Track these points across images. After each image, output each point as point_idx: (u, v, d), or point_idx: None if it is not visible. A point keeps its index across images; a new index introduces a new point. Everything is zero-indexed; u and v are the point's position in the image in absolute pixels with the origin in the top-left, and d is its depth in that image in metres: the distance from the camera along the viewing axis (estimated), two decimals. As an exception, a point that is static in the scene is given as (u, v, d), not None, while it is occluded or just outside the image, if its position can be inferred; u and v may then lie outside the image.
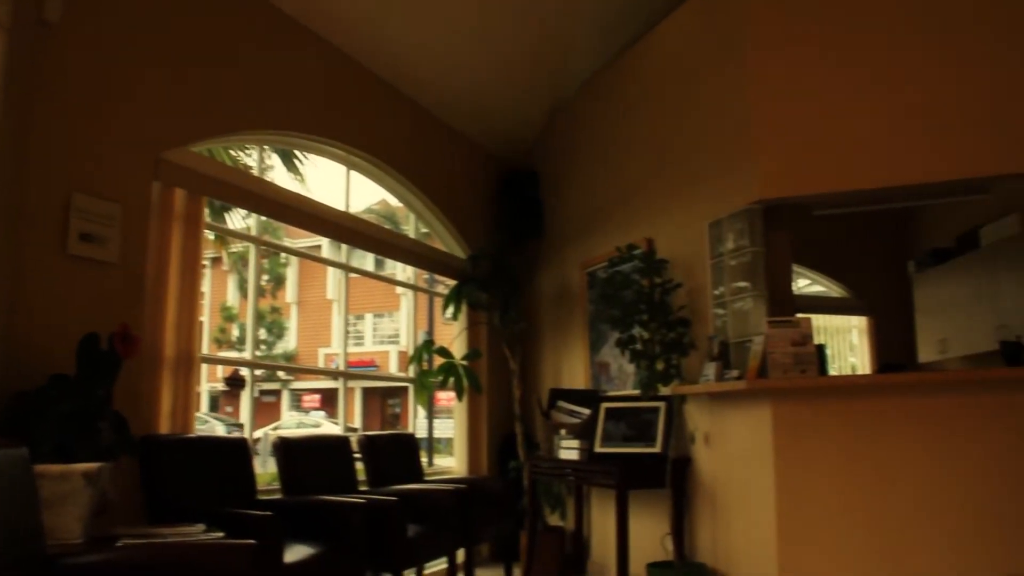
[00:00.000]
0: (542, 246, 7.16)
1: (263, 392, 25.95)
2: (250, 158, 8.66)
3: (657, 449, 5.03)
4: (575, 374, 6.55)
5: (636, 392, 5.36)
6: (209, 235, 5.59)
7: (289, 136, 5.28)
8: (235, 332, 24.78)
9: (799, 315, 4.47)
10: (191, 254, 4.22)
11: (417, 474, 5.76)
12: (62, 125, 3.64)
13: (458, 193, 6.94)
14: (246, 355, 5.25)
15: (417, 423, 6.91)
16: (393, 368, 24.06)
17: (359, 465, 5.27)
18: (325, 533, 3.95)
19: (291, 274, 26.42)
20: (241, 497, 4.06)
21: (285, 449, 4.63)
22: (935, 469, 4.13)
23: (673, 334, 5.15)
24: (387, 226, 8.59)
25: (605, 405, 5.44)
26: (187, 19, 4.37)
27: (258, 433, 17.06)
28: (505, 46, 6.11)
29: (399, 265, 7.10)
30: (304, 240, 19.21)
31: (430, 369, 6.47)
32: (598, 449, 5.29)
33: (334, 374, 23.23)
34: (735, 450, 4.73)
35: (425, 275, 7.36)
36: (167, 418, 4.00)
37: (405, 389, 8.89)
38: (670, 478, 4.94)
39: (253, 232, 5.31)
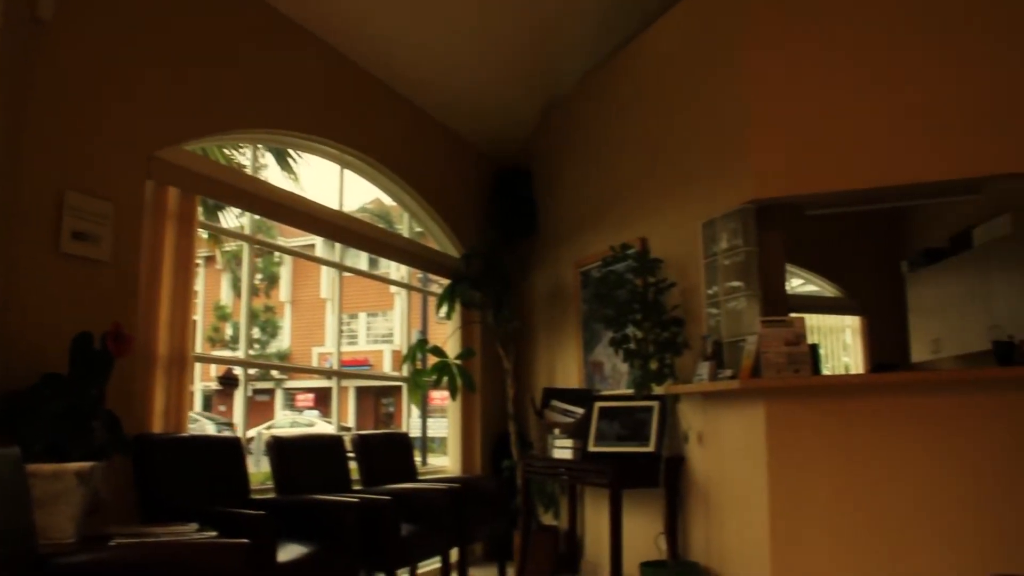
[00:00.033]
0: (536, 245, 7.17)
1: (256, 391, 25.88)
2: (244, 157, 8.65)
3: (651, 448, 5.03)
4: (569, 373, 6.55)
5: (630, 391, 5.36)
6: (203, 234, 5.57)
7: (283, 135, 5.27)
8: (228, 331, 24.71)
9: (792, 315, 4.47)
10: (184, 253, 4.21)
11: (411, 473, 5.76)
12: (55, 123, 3.63)
13: (451, 192, 6.94)
14: (239, 354, 5.25)
15: (411, 422, 6.91)
16: (387, 367, 24.04)
17: (353, 464, 5.27)
18: (318, 532, 3.95)
19: (285, 273, 26.37)
20: (234, 496, 4.06)
21: (278, 448, 4.62)
22: (929, 468, 4.14)
23: (667, 333, 5.16)
24: (381, 225, 8.57)
25: (599, 404, 5.44)
26: (181, 18, 4.36)
27: (251, 432, 17.03)
28: (499, 45, 6.11)
29: (393, 264, 7.08)
30: (298, 239, 19.21)
31: (424, 368, 6.47)
32: (592, 448, 5.30)
33: (328, 373, 23.15)
34: (729, 449, 4.73)
35: (419, 274, 7.36)
36: (160, 417, 3.99)
37: (399, 388, 8.89)
38: (664, 477, 4.95)
39: (247, 231, 5.30)
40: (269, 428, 19.76)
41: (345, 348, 24.30)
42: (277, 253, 24.93)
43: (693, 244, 5.14)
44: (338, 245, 6.02)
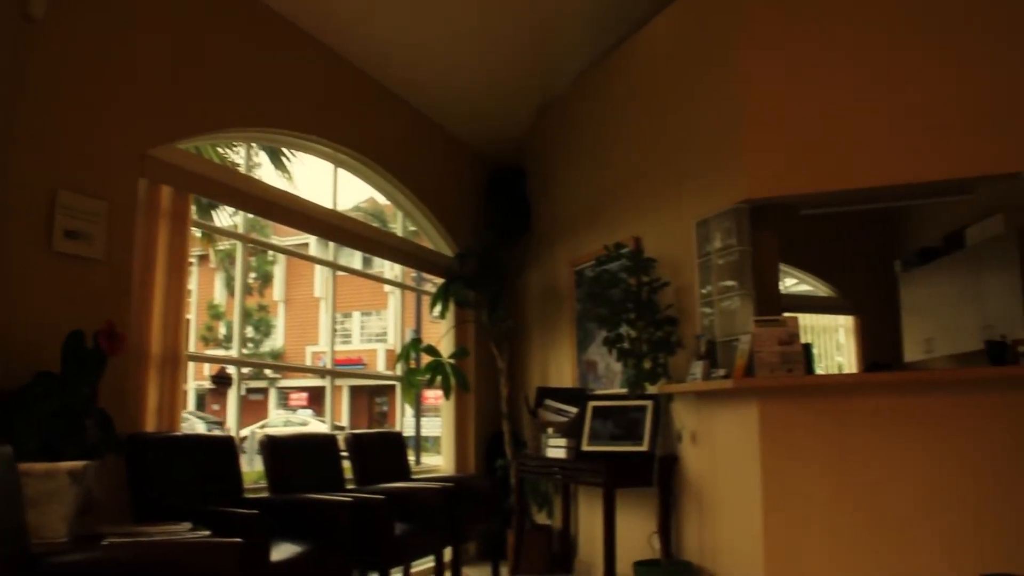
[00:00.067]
0: (530, 244, 7.17)
1: (250, 390, 25.87)
2: (237, 155, 8.63)
3: (644, 448, 5.04)
4: (562, 372, 6.55)
5: (623, 391, 5.37)
6: (196, 232, 5.57)
7: (276, 134, 5.27)
8: (222, 330, 24.68)
9: (786, 314, 4.48)
10: (178, 251, 4.20)
11: (404, 472, 5.75)
12: (47, 121, 3.62)
13: (446, 191, 6.94)
14: (233, 353, 5.24)
15: (404, 421, 6.90)
16: (380, 366, 24.02)
17: (346, 463, 5.26)
18: (312, 531, 3.94)
19: (278, 272, 26.35)
20: (228, 495, 4.04)
21: (272, 447, 4.61)
22: (923, 467, 4.15)
23: (660, 333, 5.16)
24: (375, 224, 8.58)
25: (592, 403, 5.44)
26: (174, 16, 4.35)
27: (245, 431, 17.01)
28: (494, 45, 6.10)
29: (387, 263, 7.09)
30: (292, 238, 19.18)
31: (417, 367, 6.47)
32: (585, 448, 5.30)
33: (321, 372, 23.13)
34: (722, 449, 4.74)
35: (413, 273, 7.36)
36: (153, 416, 3.98)
37: (392, 387, 8.89)
38: (657, 477, 4.95)
39: (240, 230, 5.29)
40: (263, 427, 19.73)
41: (339, 347, 24.29)
42: (271, 252, 24.87)
43: (687, 243, 5.14)
44: (332, 244, 6.01)
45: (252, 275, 24.59)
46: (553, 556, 6.16)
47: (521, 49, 6.20)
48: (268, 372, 25.55)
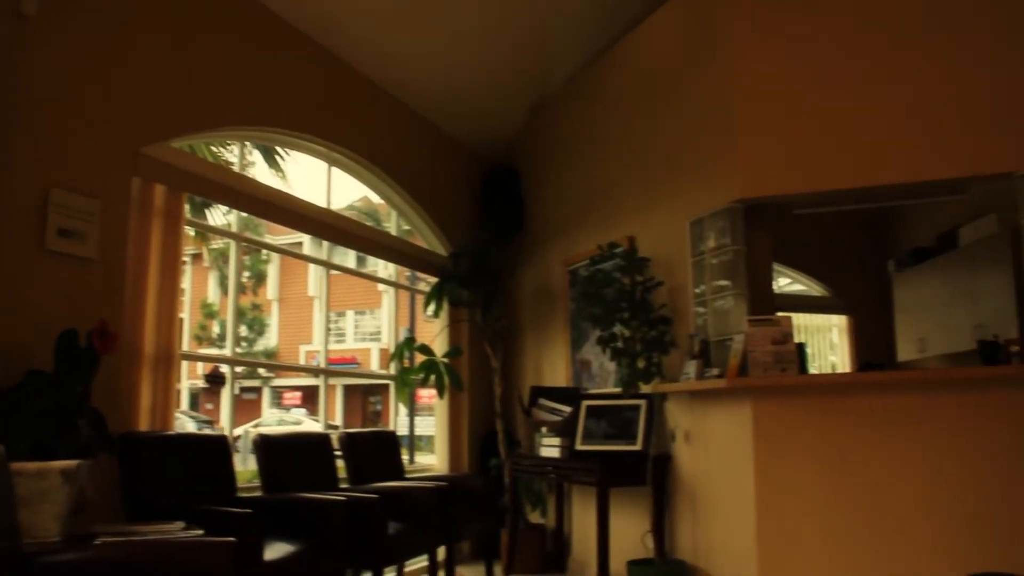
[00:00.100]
0: (524, 244, 7.17)
1: (244, 389, 25.81)
2: (231, 154, 8.61)
3: (638, 447, 5.04)
4: (556, 372, 6.55)
5: (617, 390, 5.37)
6: (189, 231, 5.56)
7: (271, 132, 5.26)
8: (215, 329, 24.64)
9: (779, 314, 4.49)
10: (171, 250, 4.19)
11: (398, 472, 5.75)
12: (39, 119, 3.61)
13: (440, 190, 6.94)
14: (226, 352, 5.23)
15: (398, 420, 6.90)
16: (374, 365, 24.01)
17: (340, 463, 5.25)
18: (306, 531, 3.94)
19: (272, 271, 26.30)
20: (221, 495, 4.04)
21: (265, 447, 4.61)
22: (916, 467, 4.16)
23: (654, 332, 5.16)
24: (369, 223, 8.55)
25: (586, 403, 5.44)
26: (168, 14, 4.34)
27: (238, 430, 16.98)
28: (488, 45, 6.10)
29: (381, 262, 7.07)
30: (285, 237, 19.15)
31: (411, 366, 6.46)
32: (579, 447, 5.30)
33: (315, 371, 23.10)
34: (715, 448, 4.75)
35: (407, 272, 7.35)
36: (146, 415, 3.98)
37: (386, 386, 8.87)
38: (651, 476, 4.95)
39: (234, 228, 5.28)
40: (256, 426, 19.69)
41: (332, 346, 24.25)
42: (265, 251, 24.83)
43: (681, 243, 5.15)
44: (326, 243, 6.00)
45: (246, 274, 24.57)
46: (547, 555, 6.17)
47: (515, 49, 6.20)
48: (262, 371, 25.52)
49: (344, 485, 5.10)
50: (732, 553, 4.54)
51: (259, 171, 10.55)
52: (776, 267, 6.38)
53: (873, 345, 7.39)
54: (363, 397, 25.64)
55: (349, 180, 6.21)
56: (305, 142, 5.55)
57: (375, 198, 7.34)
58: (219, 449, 4.24)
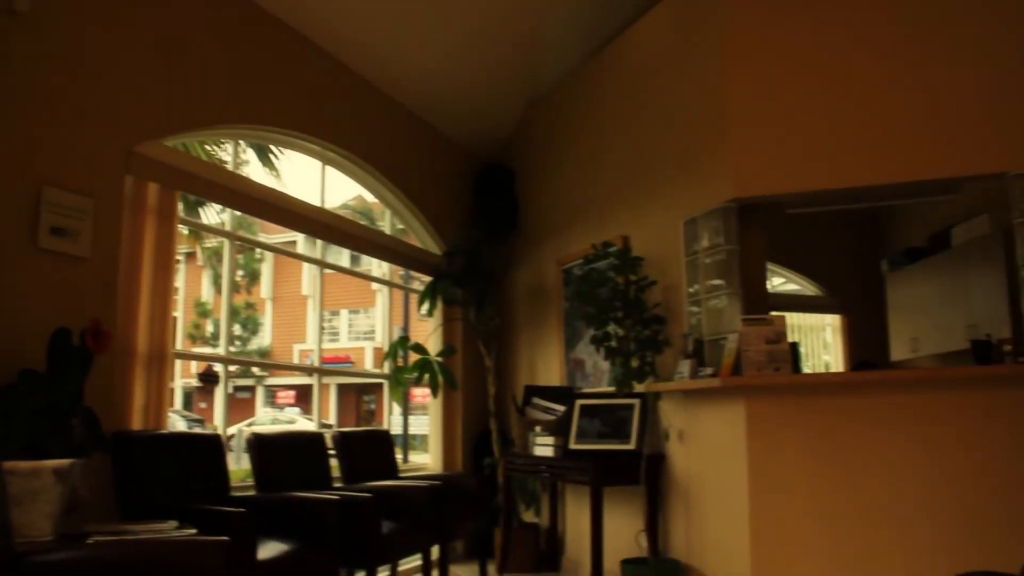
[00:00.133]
0: (518, 243, 7.17)
1: (237, 388, 25.79)
2: (225, 153, 8.59)
3: (631, 446, 5.05)
4: (550, 371, 6.56)
5: (611, 389, 5.38)
6: (183, 230, 5.55)
7: (265, 131, 5.25)
8: (209, 328, 24.60)
9: (773, 313, 4.50)
10: (164, 249, 4.18)
11: (392, 471, 5.74)
12: (32, 117, 3.59)
13: (434, 189, 6.93)
14: (220, 351, 5.22)
15: (392, 419, 6.89)
16: (368, 364, 23.98)
17: (334, 462, 5.25)
18: (299, 530, 3.93)
19: (266, 270, 26.27)
20: (214, 494, 4.03)
21: (259, 445, 4.60)
22: (909, 465, 4.17)
23: (648, 331, 5.17)
24: (363, 222, 8.56)
25: (580, 402, 5.45)
26: (162, 11, 4.32)
27: (232, 429, 16.96)
28: (483, 44, 6.10)
29: (374, 261, 7.06)
30: (279, 236, 19.15)
31: (405, 365, 6.46)
32: (573, 446, 5.31)
33: (309, 370, 23.12)
34: (709, 447, 4.75)
35: (400, 271, 7.35)
36: (139, 414, 3.96)
37: (380, 385, 8.86)
38: (644, 475, 4.96)
39: (228, 227, 5.27)
40: (250, 425, 19.67)
41: (326, 345, 24.24)
42: (258, 250, 24.79)
43: (674, 242, 5.15)
44: (320, 242, 5.99)
45: (239, 273, 24.51)
46: (540, 554, 6.17)
47: (510, 48, 6.21)
48: (255, 370, 25.48)
49: (338, 484, 5.10)
50: (725, 552, 4.55)
51: (253, 170, 10.53)
52: (770, 266, 6.39)
53: (866, 345, 7.42)
54: (357, 396, 25.62)
55: (343, 179, 6.21)
56: (299, 141, 5.54)
57: (369, 197, 7.34)
58: (212, 448, 4.23)
